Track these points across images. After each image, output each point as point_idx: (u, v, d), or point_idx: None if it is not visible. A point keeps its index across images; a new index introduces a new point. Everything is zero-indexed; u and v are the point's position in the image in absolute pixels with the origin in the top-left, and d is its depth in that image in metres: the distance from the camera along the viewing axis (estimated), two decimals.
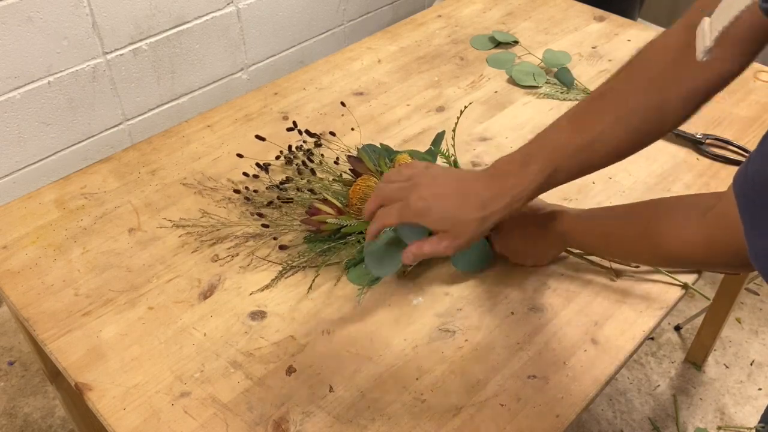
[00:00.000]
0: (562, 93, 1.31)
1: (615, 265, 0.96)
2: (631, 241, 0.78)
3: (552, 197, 1.09)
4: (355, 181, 1.00)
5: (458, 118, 1.11)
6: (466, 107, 1.25)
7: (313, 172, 1.09)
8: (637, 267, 0.96)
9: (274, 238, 1.02)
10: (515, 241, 0.94)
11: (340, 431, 0.78)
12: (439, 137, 1.09)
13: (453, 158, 1.06)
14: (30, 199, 1.11)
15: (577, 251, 0.98)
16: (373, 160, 1.03)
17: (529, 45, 1.47)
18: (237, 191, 1.10)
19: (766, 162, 0.49)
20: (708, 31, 0.54)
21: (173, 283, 0.96)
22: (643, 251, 0.77)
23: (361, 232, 0.97)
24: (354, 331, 0.89)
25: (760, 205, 0.50)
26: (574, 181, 1.11)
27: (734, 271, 0.69)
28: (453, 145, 1.09)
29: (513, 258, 0.96)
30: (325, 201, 1.00)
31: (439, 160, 1.09)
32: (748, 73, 1.34)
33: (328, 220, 0.96)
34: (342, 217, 0.97)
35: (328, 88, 1.35)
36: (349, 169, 1.05)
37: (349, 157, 1.06)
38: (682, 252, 0.68)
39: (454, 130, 1.09)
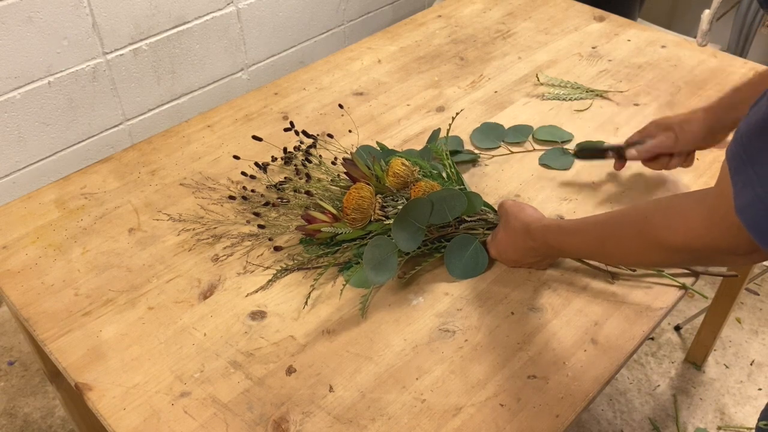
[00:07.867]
0: (564, 92, 1.31)
1: (611, 268, 0.96)
2: (629, 241, 0.77)
3: (552, 197, 1.09)
4: (350, 186, 1.00)
5: (453, 119, 1.11)
6: (457, 114, 1.25)
7: (308, 177, 1.09)
8: (634, 271, 0.96)
9: (270, 239, 1.02)
10: (510, 253, 0.95)
11: (340, 431, 0.79)
12: (434, 135, 1.09)
13: (448, 159, 1.06)
14: (30, 199, 1.11)
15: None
16: (368, 164, 1.03)
17: (529, 45, 1.47)
18: (233, 198, 1.10)
19: (750, 125, 0.56)
20: (706, 20, 0.58)
21: (173, 283, 0.96)
22: (643, 249, 0.76)
23: (356, 239, 0.98)
24: (354, 331, 0.89)
25: (745, 160, 0.56)
26: (573, 182, 1.12)
27: (731, 262, 0.70)
28: (446, 143, 1.09)
29: (509, 265, 0.97)
30: (320, 208, 1.00)
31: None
32: (746, 72, 1.34)
33: (323, 229, 0.96)
34: (337, 225, 0.97)
35: (328, 88, 1.35)
36: (344, 173, 1.05)
37: (344, 159, 1.06)
38: (682, 237, 0.68)
39: (447, 134, 1.09)
